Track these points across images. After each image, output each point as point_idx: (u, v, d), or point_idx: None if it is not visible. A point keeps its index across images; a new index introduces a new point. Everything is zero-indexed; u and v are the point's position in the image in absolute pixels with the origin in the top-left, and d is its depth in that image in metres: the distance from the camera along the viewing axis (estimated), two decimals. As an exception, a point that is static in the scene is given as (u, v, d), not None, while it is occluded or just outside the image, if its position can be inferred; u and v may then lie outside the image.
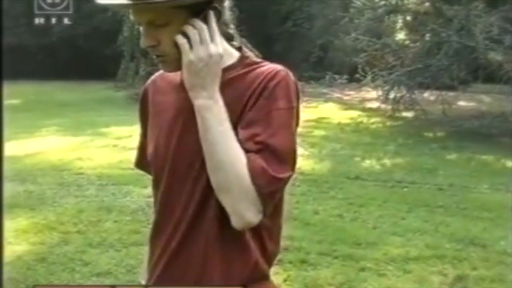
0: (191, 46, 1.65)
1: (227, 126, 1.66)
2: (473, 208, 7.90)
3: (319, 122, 15.75)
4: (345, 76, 21.01)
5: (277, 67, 1.75)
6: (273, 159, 1.65)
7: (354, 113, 17.56)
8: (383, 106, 17.47)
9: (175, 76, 1.81)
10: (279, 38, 26.68)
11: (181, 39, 1.65)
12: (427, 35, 17.65)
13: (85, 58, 28.03)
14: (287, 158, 1.68)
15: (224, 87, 1.70)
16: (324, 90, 21.16)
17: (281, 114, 1.68)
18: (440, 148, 12.48)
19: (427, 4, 18.06)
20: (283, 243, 5.82)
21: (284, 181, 1.68)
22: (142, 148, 2.00)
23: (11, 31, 29.60)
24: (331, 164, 10.38)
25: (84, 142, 12.21)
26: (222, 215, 1.70)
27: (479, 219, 7.47)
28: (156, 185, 1.87)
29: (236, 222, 1.67)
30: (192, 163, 1.73)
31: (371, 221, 7.25)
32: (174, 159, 1.77)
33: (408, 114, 16.89)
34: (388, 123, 16.20)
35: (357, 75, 17.69)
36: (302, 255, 5.95)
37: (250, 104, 1.69)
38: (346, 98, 20.89)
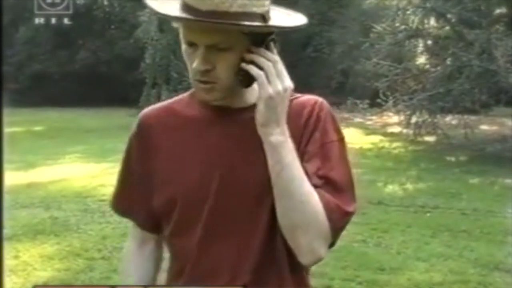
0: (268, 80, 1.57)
1: (299, 162, 1.60)
2: (497, 232, 7.83)
3: (340, 147, 15.74)
4: (367, 101, 21.07)
5: (316, 97, 1.74)
6: (339, 193, 1.63)
7: (376, 138, 17.56)
8: (405, 131, 17.44)
9: (186, 110, 1.75)
10: (299, 64, 26.75)
11: (257, 71, 1.57)
12: (448, 59, 17.64)
13: (108, 85, 28.32)
14: (351, 190, 1.67)
15: None
16: (346, 115, 21.17)
17: (336, 146, 1.68)
18: (463, 173, 12.42)
19: (447, 28, 18.09)
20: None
21: (354, 213, 1.65)
22: (131, 190, 1.82)
23: (36, 59, 30.04)
24: (353, 189, 10.34)
25: (107, 169, 12.26)
26: (290, 257, 1.64)
27: (504, 243, 7.40)
28: (181, 230, 1.71)
29: (307, 260, 1.62)
30: (244, 203, 1.65)
31: (395, 246, 7.21)
32: (219, 200, 1.65)
33: (430, 139, 16.84)
34: (410, 148, 16.16)
35: (379, 100, 17.71)
36: (326, 281, 5.93)
37: (306, 137, 1.66)
38: (367, 123, 20.90)
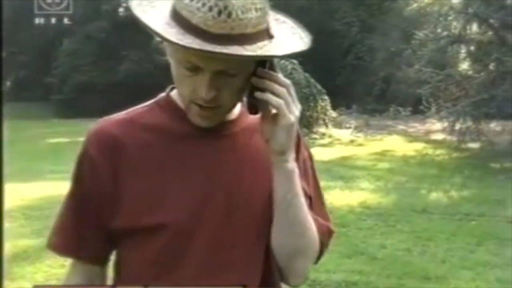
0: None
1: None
2: (544, 240, 7.72)
3: (383, 154, 15.69)
4: (409, 108, 20.98)
5: None
6: (322, 211, 1.63)
7: (419, 145, 17.42)
8: (448, 137, 17.29)
9: (163, 123, 1.56)
10: (341, 72, 26.74)
11: (277, 100, 1.42)
12: (492, 64, 17.49)
13: (152, 96, 28.52)
14: (325, 204, 1.67)
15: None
16: (388, 123, 21.08)
17: (308, 162, 1.64)
18: (508, 179, 12.21)
19: (490, 33, 17.90)
20: (352, 277, 5.76)
21: None
22: (83, 221, 1.55)
23: (80, 70, 30.52)
24: (397, 197, 10.29)
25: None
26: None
27: (552, 252, 7.30)
28: (167, 261, 1.49)
29: (298, 282, 1.58)
30: (248, 228, 1.51)
31: (440, 254, 7.14)
32: (221, 225, 1.50)
33: (474, 145, 16.66)
34: (454, 155, 15.99)
35: (421, 107, 17.64)
36: (371, 290, 5.92)
37: None
38: (410, 130, 20.75)
